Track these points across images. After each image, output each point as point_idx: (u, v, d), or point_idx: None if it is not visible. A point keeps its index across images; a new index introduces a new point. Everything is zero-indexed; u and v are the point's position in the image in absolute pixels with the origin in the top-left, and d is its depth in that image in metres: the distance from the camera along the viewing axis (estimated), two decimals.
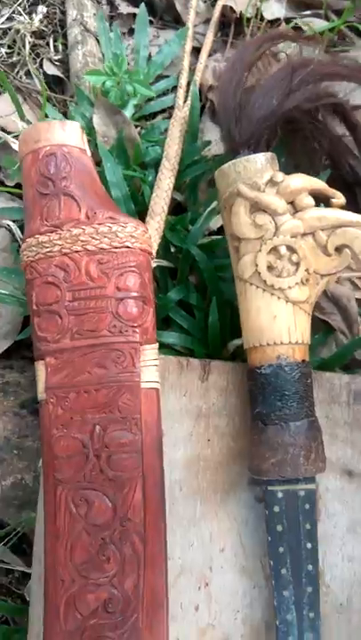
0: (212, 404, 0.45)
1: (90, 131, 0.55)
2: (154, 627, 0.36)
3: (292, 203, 0.42)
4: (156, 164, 0.53)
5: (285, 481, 0.39)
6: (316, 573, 0.39)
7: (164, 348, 0.49)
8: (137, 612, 0.35)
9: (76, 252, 0.40)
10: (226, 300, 0.50)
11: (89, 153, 0.44)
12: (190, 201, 0.53)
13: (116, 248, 0.40)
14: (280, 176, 0.41)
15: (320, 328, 0.54)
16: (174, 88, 0.60)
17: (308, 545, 0.39)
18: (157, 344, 0.41)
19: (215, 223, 0.53)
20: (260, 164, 0.42)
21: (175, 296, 0.50)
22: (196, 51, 0.64)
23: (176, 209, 0.55)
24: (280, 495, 0.40)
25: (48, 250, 0.40)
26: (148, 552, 0.36)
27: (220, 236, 0.52)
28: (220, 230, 0.54)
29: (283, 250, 0.40)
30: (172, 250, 0.52)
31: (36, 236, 0.41)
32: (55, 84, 0.66)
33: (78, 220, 0.40)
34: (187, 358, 0.46)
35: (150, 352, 0.40)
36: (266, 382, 0.40)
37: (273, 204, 0.41)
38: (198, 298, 0.50)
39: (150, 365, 0.39)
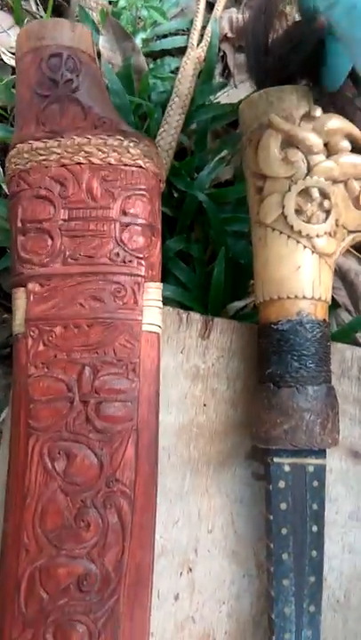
0: (212, 364, 0.39)
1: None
2: (136, 612, 0.29)
3: (326, 145, 0.37)
4: (164, 102, 0.48)
5: (294, 453, 0.34)
6: (321, 561, 0.34)
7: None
8: (117, 593, 0.29)
9: (78, 163, 0.34)
10: (230, 257, 0.45)
11: (98, 64, 0.38)
12: (198, 146, 0.48)
13: (126, 165, 0.34)
14: (318, 111, 0.37)
15: None
16: (185, 32, 0.55)
17: (314, 528, 0.34)
18: (161, 285, 0.35)
19: (224, 174, 0.48)
20: (296, 96, 0.37)
21: (175, 245, 0.45)
22: (210, 6, 0.60)
23: (180, 155, 0.49)
24: (287, 469, 0.34)
25: (43, 158, 0.34)
26: (135, 521, 0.30)
27: (228, 187, 0.47)
28: (228, 183, 0.49)
29: (315, 193, 0.36)
30: (175, 195, 0.46)
31: (30, 141, 0.34)
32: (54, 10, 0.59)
33: (83, 128, 0.34)
34: (187, 311, 0.40)
35: (154, 291, 0.34)
36: (283, 339, 0.35)
37: (309, 140, 0.36)
38: (200, 250, 0.45)
39: (154, 306, 0.34)
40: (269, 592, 0.33)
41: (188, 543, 0.37)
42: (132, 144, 0.34)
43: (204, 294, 0.45)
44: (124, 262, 0.33)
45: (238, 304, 0.45)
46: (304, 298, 0.35)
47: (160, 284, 0.35)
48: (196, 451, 0.38)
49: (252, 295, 0.47)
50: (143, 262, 0.33)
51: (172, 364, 0.39)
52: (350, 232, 0.38)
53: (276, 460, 0.35)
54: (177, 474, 0.38)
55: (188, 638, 0.36)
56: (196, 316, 0.40)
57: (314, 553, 0.34)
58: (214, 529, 0.37)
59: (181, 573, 0.36)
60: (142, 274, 0.33)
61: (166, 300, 0.44)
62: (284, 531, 0.34)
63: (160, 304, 0.34)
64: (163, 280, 0.45)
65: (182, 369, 0.39)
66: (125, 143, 0.34)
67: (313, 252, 0.36)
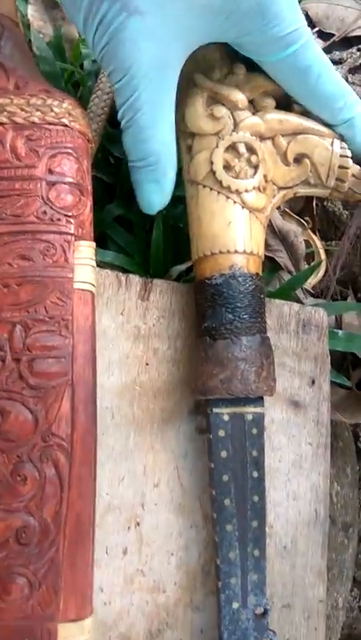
0: (153, 325, 0.40)
1: (23, 28, 0.48)
2: (77, 561, 0.30)
3: (251, 101, 0.38)
4: (97, 71, 0.47)
5: (232, 402, 0.35)
6: (263, 506, 0.35)
7: (100, 268, 0.43)
8: (57, 543, 0.29)
9: (1, 124, 0.33)
10: (170, 221, 0.45)
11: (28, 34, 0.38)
12: None
13: (50, 124, 0.34)
14: (242, 69, 0.37)
15: (265, 266, 0.51)
16: None
17: (255, 474, 0.35)
18: (94, 244, 0.35)
19: None
20: (219, 54, 0.37)
21: (114, 211, 0.45)
22: None
23: (116, 122, 0.49)
24: (226, 418, 0.35)
25: None
26: (74, 473, 0.30)
27: None
28: None
29: (242, 148, 0.36)
30: (113, 162, 0.46)
31: None
32: None
33: (5, 89, 0.34)
34: (126, 274, 0.40)
35: (86, 250, 0.34)
36: (217, 293, 0.36)
37: (233, 96, 0.36)
38: (139, 215, 0.45)
39: (86, 265, 0.34)
40: (214, 538, 0.34)
41: (134, 498, 0.37)
42: (55, 102, 0.34)
43: (146, 259, 0.45)
44: (52, 221, 0.33)
45: (180, 267, 0.45)
46: (236, 252, 0.36)
47: (92, 244, 0.35)
48: (140, 410, 0.39)
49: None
50: (72, 220, 0.33)
51: (112, 325, 0.39)
52: (280, 188, 0.39)
53: (215, 410, 0.35)
54: (121, 433, 0.38)
55: (138, 591, 0.36)
56: (135, 279, 0.40)
57: (256, 498, 0.35)
58: (160, 484, 0.38)
59: (129, 528, 0.37)
60: (72, 232, 0.33)
61: (107, 266, 0.44)
62: (225, 478, 0.35)
63: (93, 263, 0.34)
64: (103, 246, 0.46)
65: (123, 330, 0.39)
66: (49, 102, 0.34)
67: (243, 206, 0.36)
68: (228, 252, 0.36)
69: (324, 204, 0.57)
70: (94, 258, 0.35)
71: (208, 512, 0.38)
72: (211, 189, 0.36)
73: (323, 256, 0.54)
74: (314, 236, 0.55)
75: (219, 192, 0.36)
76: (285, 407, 0.41)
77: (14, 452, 0.30)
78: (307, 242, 0.53)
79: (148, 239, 0.45)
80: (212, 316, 0.36)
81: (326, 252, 0.56)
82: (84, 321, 0.33)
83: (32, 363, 0.31)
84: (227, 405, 0.35)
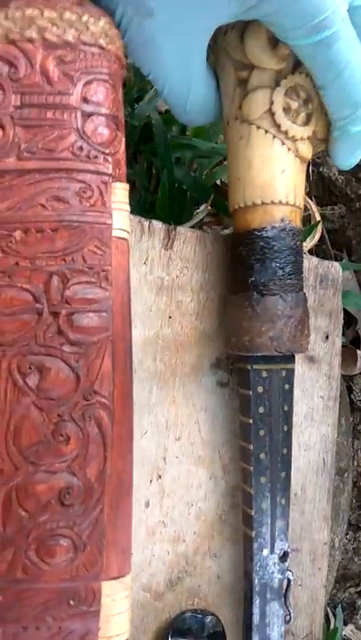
0: (176, 276, 0.38)
1: None
2: (119, 520, 0.29)
3: None
4: None
5: (271, 359, 0.35)
6: (290, 458, 0.36)
7: None
8: (101, 503, 0.28)
9: (30, 40, 0.29)
10: (175, 182, 0.43)
11: None
12: (136, 77, 0.45)
13: (86, 45, 0.29)
14: None
15: None
16: None
17: (285, 427, 0.35)
18: (128, 186, 0.32)
19: (163, 104, 0.46)
20: None
21: None
22: None
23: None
24: (265, 375, 0.35)
25: None
26: (115, 431, 0.29)
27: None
28: (167, 112, 0.47)
29: (302, 92, 0.34)
30: None
31: None
32: None
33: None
34: (149, 219, 0.38)
35: (122, 193, 0.31)
36: (267, 247, 0.34)
37: None
38: (144, 176, 0.43)
39: (122, 210, 0.31)
40: (246, 490, 0.35)
41: (156, 452, 0.37)
42: (92, 19, 0.30)
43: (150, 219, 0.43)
44: (89, 158, 0.29)
45: (184, 227, 0.43)
46: (287, 204, 0.34)
47: (127, 185, 0.32)
48: (162, 363, 0.37)
49: (195, 218, 0.47)
50: (110, 159, 0.30)
51: (135, 275, 0.37)
52: (318, 140, 0.37)
53: (255, 366, 0.35)
54: (144, 387, 0.37)
55: (160, 542, 0.37)
56: (158, 225, 0.38)
57: (285, 450, 0.35)
58: (182, 437, 0.38)
59: (151, 481, 0.37)
60: (109, 172, 0.30)
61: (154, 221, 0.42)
62: (261, 432, 0.35)
63: (128, 207, 0.32)
64: None
65: (146, 281, 0.37)
66: (85, 18, 0.29)
67: (296, 155, 0.34)
68: (281, 202, 0.34)
69: (320, 169, 0.56)
70: (128, 201, 0.32)
71: (226, 463, 0.39)
72: (266, 132, 0.34)
73: (318, 217, 0.54)
74: (310, 201, 0.54)
75: (275, 136, 0.34)
76: (301, 362, 0.41)
77: (55, 410, 0.28)
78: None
79: (153, 202, 0.43)
80: (260, 270, 0.34)
81: (322, 216, 0.55)
82: (122, 273, 0.31)
83: (71, 317, 0.28)
84: (267, 362, 0.35)
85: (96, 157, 0.30)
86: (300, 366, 0.41)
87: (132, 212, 0.43)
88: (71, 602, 0.27)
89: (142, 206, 0.44)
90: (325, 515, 0.42)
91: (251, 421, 0.35)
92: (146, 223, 0.37)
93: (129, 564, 0.30)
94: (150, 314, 0.37)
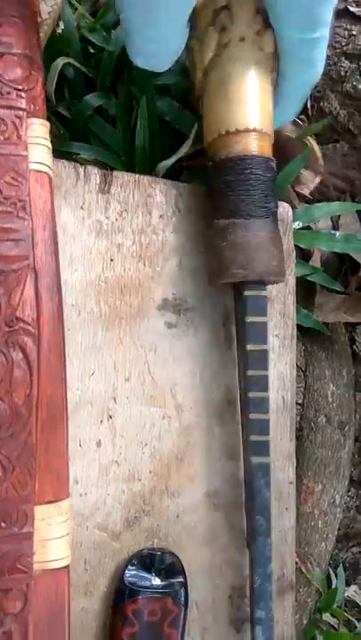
0: (115, 219, 0.38)
1: None
2: (51, 446, 0.29)
3: None
4: None
5: (252, 285, 0.36)
6: (268, 376, 0.36)
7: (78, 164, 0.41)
8: (29, 427, 0.29)
9: None
10: (156, 113, 0.42)
11: None
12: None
13: None
14: None
15: None
16: None
17: (264, 347, 0.36)
18: (49, 125, 0.33)
19: None
20: None
21: (94, 102, 0.42)
22: None
23: (95, 11, 0.45)
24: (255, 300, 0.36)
25: None
26: (43, 358, 0.29)
27: None
28: None
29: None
30: (93, 52, 0.43)
31: None
32: None
33: None
34: (84, 165, 0.38)
35: (40, 128, 0.32)
36: (244, 174, 0.34)
37: None
38: (122, 106, 0.42)
39: (41, 144, 0.32)
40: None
41: (105, 393, 0.37)
42: None
43: (130, 155, 0.43)
44: (1, 94, 0.30)
45: (167, 163, 0.42)
46: (255, 130, 0.35)
47: (46, 123, 0.32)
48: (107, 306, 0.38)
49: (182, 149, 0.45)
50: (23, 95, 0.31)
51: (72, 220, 0.37)
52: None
53: (246, 292, 0.35)
54: (88, 329, 0.37)
55: (114, 481, 0.37)
56: (93, 170, 0.38)
57: (264, 372, 0.36)
58: (131, 378, 0.38)
59: (102, 421, 0.37)
60: (23, 107, 0.31)
61: (89, 163, 0.42)
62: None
63: (48, 144, 0.32)
64: (83, 139, 0.43)
65: (84, 225, 0.38)
66: None
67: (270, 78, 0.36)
68: (255, 130, 0.35)
69: (320, 104, 0.54)
70: (49, 138, 0.33)
71: (180, 403, 0.39)
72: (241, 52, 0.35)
73: (319, 156, 0.53)
74: (310, 139, 0.53)
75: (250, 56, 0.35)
76: None
77: None
78: (303, 145, 0.51)
79: (133, 135, 0.42)
80: (237, 198, 0.35)
81: (323, 155, 0.54)
82: (43, 204, 0.31)
83: None
84: (250, 289, 0.35)
85: (9, 93, 0.31)
86: None
87: (109, 149, 0.43)
88: (2, 524, 0.28)
89: (121, 143, 0.43)
90: (289, 453, 0.41)
91: (249, 348, 0.35)
92: (81, 168, 0.38)
93: (66, 490, 0.30)
94: (91, 257, 0.37)
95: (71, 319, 0.37)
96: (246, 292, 0.36)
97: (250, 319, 0.36)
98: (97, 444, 0.37)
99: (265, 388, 0.36)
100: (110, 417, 0.37)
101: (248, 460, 0.36)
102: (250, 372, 0.36)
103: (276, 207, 0.36)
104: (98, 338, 0.37)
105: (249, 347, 0.36)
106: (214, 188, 0.36)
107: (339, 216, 0.51)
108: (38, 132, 0.32)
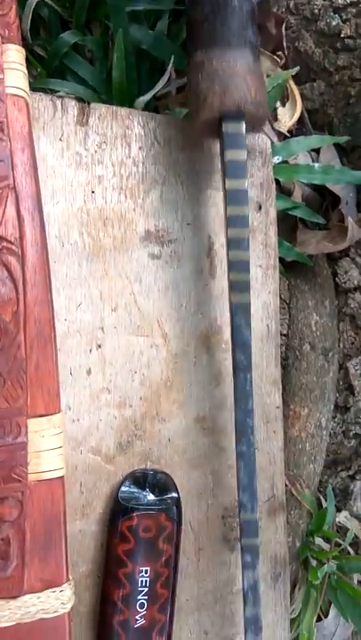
0: (95, 151, 0.39)
1: None
2: (41, 363, 0.30)
3: None
4: None
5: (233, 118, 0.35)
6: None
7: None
8: (18, 342, 0.29)
9: None
10: (131, 46, 0.41)
11: None
12: None
13: None
14: None
15: None
16: None
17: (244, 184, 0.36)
18: (24, 51, 0.33)
19: None
20: None
21: (69, 39, 0.42)
22: None
23: None
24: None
25: None
26: (28, 278, 0.30)
27: None
28: None
29: None
30: None
31: None
32: None
33: None
34: (61, 97, 0.38)
35: (15, 54, 0.32)
36: (220, 4, 0.34)
37: None
38: (98, 42, 0.42)
39: (16, 69, 0.32)
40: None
41: (93, 323, 0.38)
42: None
43: (108, 90, 0.43)
44: None
45: (145, 98, 0.42)
46: None
47: (22, 49, 0.32)
48: (90, 237, 0.38)
49: (159, 84, 0.44)
50: None
51: (51, 151, 0.37)
52: None
53: (225, 126, 0.35)
54: (73, 261, 0.38)
55: (105, 407, 0.38)
56: (71, 102, 0.38)
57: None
58: (118, 308, 0.38)
59: (91, 350, 0.38)
60: None
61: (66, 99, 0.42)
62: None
63: (24, 69, 0.32)
64: (61, 77, 0.43)
65: (63, 157, 0.38)
66: None
67: None
68: None
69: (295, 44, 0.54)
70: (24, 64, 0.33)
71: (167, 332, 0.39)
72: None
73: (297, 96, 0.53)
74: (289, 81, 0.52)
75: None
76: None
77: None
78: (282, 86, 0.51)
79: (110, 69, 0.42)
80: (212, 30, 0.34)
81: (301, 95, 0.54)
82: (21, 127, 0.31)
83: None
84: (229, 121, 0.35)
85: None
86: None
87: (87, 85, 0.43)
88: None
89: (98, 77, 0.43)
90: (275, 379, 0.42)
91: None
92: (58, 101, 0.38)
93: (57, 405, 0.31)
94: (72, 189, 0.38)
95: (55, 251, 0.37)
96: (225, 126, 0.35)
97: (229, 156, 0.35)
98: (87, 372, 0.37)
99: (245, 225, 0.35)
100: (99, 346, 0.38)
101: (229, 299, 0.36)
102: (229, 211, 0.35)
103: (256, 40, 0.36)
104: (83, 269, 0.38)
105: (228, 184, 0.35)
106: (191, 20, 0.36)
107: (318, 153, 0.52)
108: (14, 57, 0.32)
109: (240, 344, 0.35)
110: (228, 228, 0.35)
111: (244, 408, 0.35)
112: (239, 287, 0.36)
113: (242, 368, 0.35)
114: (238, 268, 0.36)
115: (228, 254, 0.36)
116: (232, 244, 0.35)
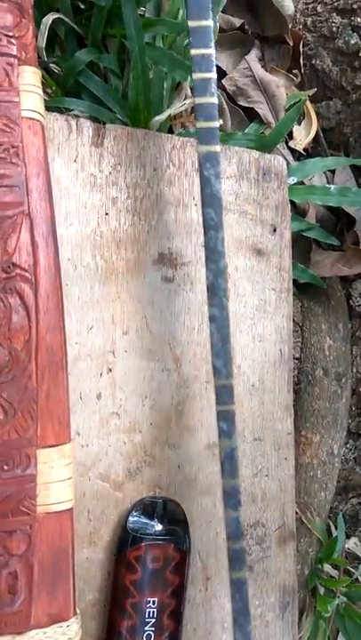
0: (109, 173, 0.38)
1: None
2: (52, 392, 0.30)
3: None
4: None
5: None
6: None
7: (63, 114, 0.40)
8: (29, 372, 0.29)
9: None
10: (149, 65, 0.41)
11: None
12: None
13: None
14: None
15: (244, 119, 0.49)
16: None
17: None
18: (40, 72, 0.32)
19: None
20: None
21: (85, 57, 0.41)
22: None
23: None
24: None
25: None
26: (40, 305, 0.29)
27: None
28: None
29: None
30: (83, 8, 0.42)
31: None
32: None
33: None
34: (76, 118, 0.38)
35: (31, 76, 0.31)
36: None
37: None
38: (114, 61, 0.42)
39: (32, 92, 0.31)
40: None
41: (104, 346, 0.37)
42: None
43: (123, 110, 0.42)
44: None
45: (161, 117, 0.42)
46: None
47: (38, 71, 0.32)
48: (103, 260, 0.38)
49: (175, 103, 0.44)
50: (14, 42, 0.30)
51: (66, 173, 0.37)
52: None
53: None
54: (85, 284, 0.37)
55: (115, 432, 0.37)
56: (86, 123, 0.38)
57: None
58: (129, 331, 0.38)
59: (101, 374, 0.37)
60: (14, 53, 0.30)
61: (82, 119, 0.41)
62: None
63: (40, 91, 0.32)
64: (76, 95, 0.43)
65: (78, 178, 0.37)
66: None
67: None
68: None
69: (313, 62, 0.54)
70: (40, 86, 0.32)
71: (178, 357, 0.39)
72: None
73: (313, 115, 0.52)
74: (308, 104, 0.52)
75: None
76: (249, 255, 0.41)
77: None
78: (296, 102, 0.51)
79: (125, 86, 0.42)
80: None
81: (316, 113, 0.53)
82: (37, 152, 0.31)
83: None
84: None
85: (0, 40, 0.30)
86: (247, 260, 0.41)
87: (101, 104, 0.43)
88: (5, 466, 0.28)
89: (114, 95, 0.42)
90: (287, 405, 0.42)
91: None
92: (73, 121, 0.37)
93: (67, 435, 0.30)
94: (85, 211, 0.37)
95: (68, 274, 0.37)
96: None
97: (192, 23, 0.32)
98: (97, 397, 0.37)
99: (212, 94, 0.33)
100: (110, 370, 0.37)
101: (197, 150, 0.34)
102: (193, 52, 0.32)
103: None
104: (95, 292, 0.37)
105: (193, 51, 0.32)
106: None
107: (333, 174, 0.51)
108: (30, 79, 0.31)
109: (209, 197, 0.33)
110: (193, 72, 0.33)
111: (215, 269, 0.33)
112: (207, 137, 0.33)
113: (212, 226, 0.33)
114: (206, 116, 0.33)
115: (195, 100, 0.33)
116: (198, 87, 0.32)
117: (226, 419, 0.33)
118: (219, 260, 0.33)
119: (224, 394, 0.33)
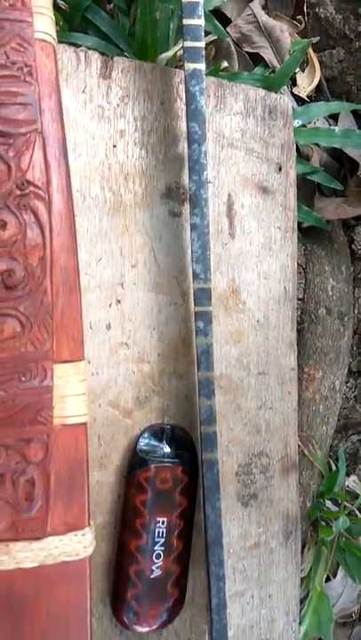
0: (117, 105, 0.38)
1: None
2: (66, 310, 0.30)
3: None
4: None
5: None
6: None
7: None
8: (45, 287, 0.29)
9: None
10: (155, 3, 0.41)
11: None
12: None
13: None
14: None
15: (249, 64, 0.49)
16: None
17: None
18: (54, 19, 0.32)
19: None
20: None
21: None
22: None
23: None
24: None
25: None
26: (54, 224, 0.30)
27: None
28: None
29: None
30: None
31: None
32: None
33: None
34: (84, 50, 0.38)
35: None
36: None
37: None
38: None
39: (45, 15, 0.31)
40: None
41: (113, 278, 0.38)
42: None
43: (129, 46, 0.42)
44: None
45: (168, 54, 0.42)
46: None
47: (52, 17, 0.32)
48: (111, 192, 0.38)
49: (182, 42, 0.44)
50: None
51: (74, 103, 0.37)
52: None
53: None
54: (94, 215, 0.38)
55: (124, 362, 0.38)
56: (94, 55, 0.38)
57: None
58: (138, 264, 0.38)
59: (110, 305, 0.38)
60: None
61: (90, 52, 0.41)
62: None
63: (52, 15, 0.32)
64: (83, 31, 0.42)
65: (86, 109, 0.38)
66: None
67: None
68: None
69: (316, 10, 0.54)
70: (52, 10, 0.32)
71: (185, 290, 0.40)
72: None
73: (316, 63, 0.52)
74: (311, 52, 0.52)
75: None
76: (255, 192, 0.42)
77: None
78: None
79: (133, 23, 0.41)
80: None
81: (319, 62, 0.53)
82: (49, 73, 0.31)
83: None
84: None
85: None
86: (253, 197, 0.42)
87: (109, 40, 0.42)
88: (22, 377, 0.29)
89: (120, 32, 0.42)
90: (291, 341, 0.43)
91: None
92: (82, 53, 0.37)
93: (81, 352, 0.31)
94: (94, 142, 0.38)
95: (77, 205, 0.37)
96: None
97: None
98: (107, 327, 0.38)
99: (199, 16, 0.34)
100: (118, 301, 0.38)
101: (183, 68, 0.36)
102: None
103: None
104: (103, 224, 0.38)
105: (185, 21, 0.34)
106: None
107: (336, 120, 0.51)
108: (42, 1, 0.31)
109: (194, 112, 0.35)
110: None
111: (197, 180, 0.35)
112: (193, 55, 0.35)
113: (196, 139, 0.35)
114: (193, 36, 0.34)
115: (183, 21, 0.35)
116: (186, 10, 0.34)
117: (203, 319, 0.36)
118: (201, 171, 0.35)
119: (202, 297, 0.36)
